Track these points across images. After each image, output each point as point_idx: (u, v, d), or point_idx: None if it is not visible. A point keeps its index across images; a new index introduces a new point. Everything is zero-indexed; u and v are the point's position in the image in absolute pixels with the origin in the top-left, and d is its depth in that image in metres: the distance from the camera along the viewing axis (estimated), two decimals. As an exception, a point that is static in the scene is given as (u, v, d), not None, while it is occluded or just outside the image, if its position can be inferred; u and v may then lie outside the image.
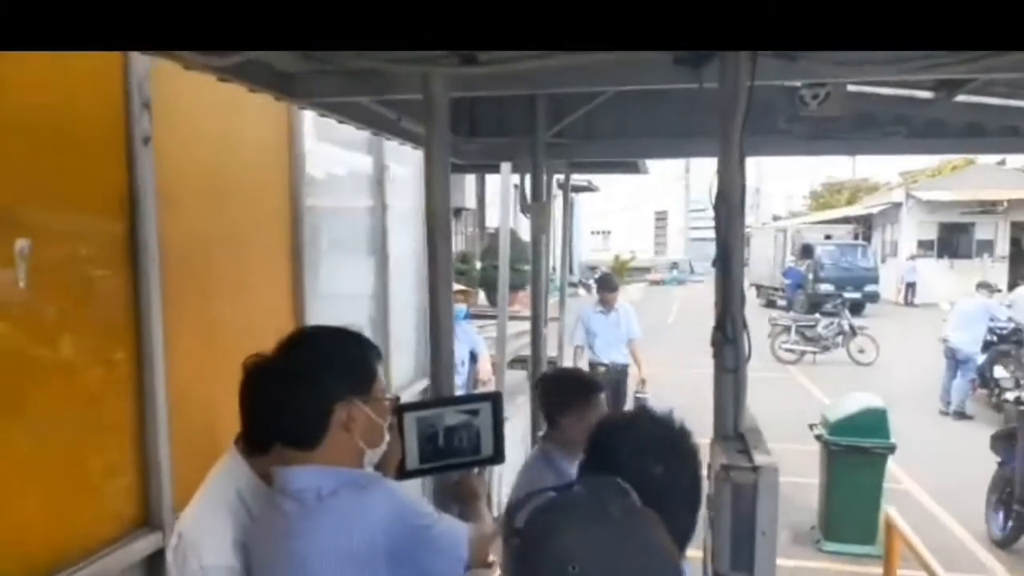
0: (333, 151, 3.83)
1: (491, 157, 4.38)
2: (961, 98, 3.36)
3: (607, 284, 7.70)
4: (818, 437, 5.93)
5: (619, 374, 7.19)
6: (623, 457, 1.41)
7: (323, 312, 3.42)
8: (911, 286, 24.70)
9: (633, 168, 8.21)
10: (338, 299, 3.82)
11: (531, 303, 3.83)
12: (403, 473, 2.07)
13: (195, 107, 2.67)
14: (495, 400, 2.23)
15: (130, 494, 2.47)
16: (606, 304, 7.33)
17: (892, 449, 5.79)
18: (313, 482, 1.58)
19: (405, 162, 4.69)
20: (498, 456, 2.22)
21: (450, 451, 2.10)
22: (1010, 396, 8.04)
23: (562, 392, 2.67)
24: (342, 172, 4.00)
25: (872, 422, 5.83)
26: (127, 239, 2.39)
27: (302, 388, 1.59)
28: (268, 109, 2.75)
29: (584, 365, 7.00)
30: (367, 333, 1.78)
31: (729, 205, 2.16)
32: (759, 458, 1.93)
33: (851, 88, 3.38)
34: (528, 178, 3.83)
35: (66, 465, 2.25)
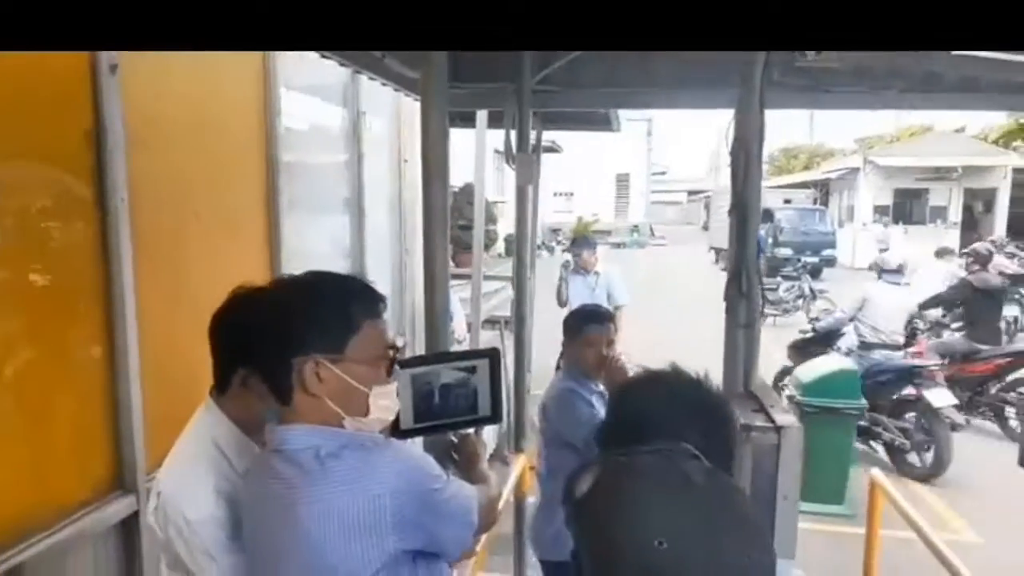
0: (308, 97, 3.62)
1: (474, 104, 4.20)
2: (956, 52, 3.28)
3: (584, 243, 7.26)
4: (790, 398, 5.98)
5: None
6: (655, 421, 1.23)
7: (298, 262, 3.27)
8: (883, 252, 24.39)
9: (605, 124, 8.09)
10: (314, 253, 3.65)
11: (515, 260, 3.71)
12: (397, 432, 1.96)
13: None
14: (493, 357, 2.13)
15: (102, 457, 2.31)
16: (583, 266, 7.00)
17: (863, 410, 5.86)
18: (311, 441, 1.44)
19: (380, 112, 4.49)
20: (495, 415, 2.13)
21: (446, 410, 2.00)
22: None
23: (567, 324, 3.09)
24: (317, 119, 3.79)
25: (844, 383, 5.89)
26: (93, 179, 2.19)
27: (262, 336, 1.44)
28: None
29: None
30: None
31: (747, 154, 2.05)
32: (780, 417, 1.85)
33: (848, 39, 3.28)
34: (512, 127, 3.66)
35: (35, 428, 2.09)
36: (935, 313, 8.56)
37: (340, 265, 4.11)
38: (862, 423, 6.13)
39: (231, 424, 1.63)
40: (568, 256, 7.41)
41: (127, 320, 2.29)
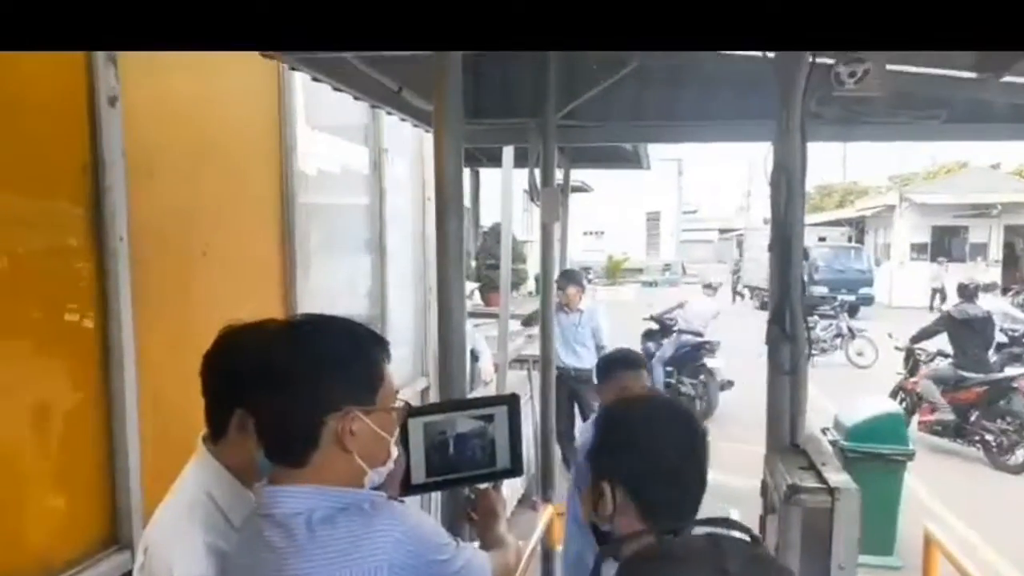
0: (327, 134, 3.52)
1: (496, 140, 4.08)
2: (1008, 78, 3.09)
3: (569, 277, 6.86)
4: (833, 443, 5.68)
5: (573, 380, 6.55)
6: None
7: (315, 304, 3.13)
8: (938, 291, 23.10)
9: (635, 162, 7.96)
10: (332, 289, 3.52)
11: (541, 298, 3.55)
12: (408, 488, 1.80)
13: (170, 66, 2.35)
14: (512, 404, 1.96)
15: (96, 510, 2.16)
16: (566, 303, 6.65)
17: (911, 456, 5.54)
18: (303, 505, 1.27)
19: (403, 150, 4.39)
20: (516, 468, 1.96)
21: (462, 462, 1.83)
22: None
23: (599, 368, 3.17)
24: (337, 156, 3.69)
25: (889, 427, 5.59)
26: (91, 216, 2.08)
27: (286, 393, 1.28)
28: (255, 71, 2.43)
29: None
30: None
31: (789, 184, 1.87)
32: (833, 477, 1.64)
33: (889, 67, 3.11)
34: (535, 165, 3.53)
35: (23, 480, 1.95)
36: (933, 344, 8.96)
37: (361, 306, 3.98)
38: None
39: (226, 473, 1.49)
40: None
41: (125, 367, 2.16)
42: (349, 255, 3.95)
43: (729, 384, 9.63)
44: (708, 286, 11.32)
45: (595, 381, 6.62)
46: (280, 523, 1.27)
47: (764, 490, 1.90)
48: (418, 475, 1.82)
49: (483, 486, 1.98)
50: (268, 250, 3.06)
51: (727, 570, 0.84)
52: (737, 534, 0.99)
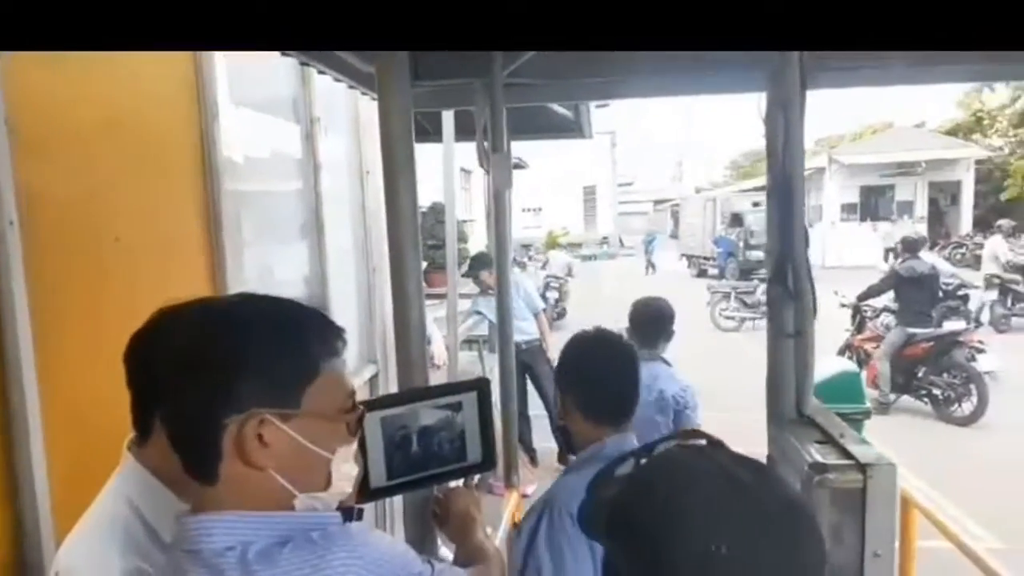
0: (253, 100, 3.18)
1: (439, 104, 3.77)
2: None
3: (482, 262, 6.58)
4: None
5: (524, 354, 6.28)
6: None
7: (248, 285, 2.82)
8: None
9: (577, 131, 7.74)
10: (267, 276, 3.20)
11: (496, 273, 3.30)
12: (367, 493, 1.54)
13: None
14: (482, 389, 1.74)
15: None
16: (488, 285, 6.40)
17: (868, 414, 5.54)
18: (234, 537, 1.00)
19: (337, 120, 4.06)
20: (488, 460, 1.75)
21: (427, 459, 1.63)
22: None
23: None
24: (265, 126, 3.34)
25: (846, 386, 5.60)
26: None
27: (187, 387, 1.01)
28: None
29: (495, 347, 6.54)
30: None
31: (787, 119, 1.65)
32: (861, 451, 1.44)
33: None
34: (483, 128, 3.26)
35: None
36: (879, 301, 9.15)
37: (299, 291, 3.67)
38: None
39: (151, 478, 1.26)
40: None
41: (23, 372, 1.82)
42: (284, 235, 3.62)
43: None
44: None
45: (544, 347, 6.60)
46: (207, 562, 0.99)
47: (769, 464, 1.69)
48: (378, 478, 1.61)
49: (453, 484, 1.76)
50: (193, 236, 2.73)
51: (740, 479, 0.82)
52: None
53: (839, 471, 1.38)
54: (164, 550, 1.13)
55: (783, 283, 1.64)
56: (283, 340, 1.04)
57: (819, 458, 1.44)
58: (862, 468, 1.37)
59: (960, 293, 10.40)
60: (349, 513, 1.14)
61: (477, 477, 1.86)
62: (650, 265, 27.90)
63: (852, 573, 1.36)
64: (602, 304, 10.71)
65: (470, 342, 6.63)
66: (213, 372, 1.00)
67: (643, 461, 0.97)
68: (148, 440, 1.23)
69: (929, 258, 10.90)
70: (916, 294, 8.31)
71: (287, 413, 1.02)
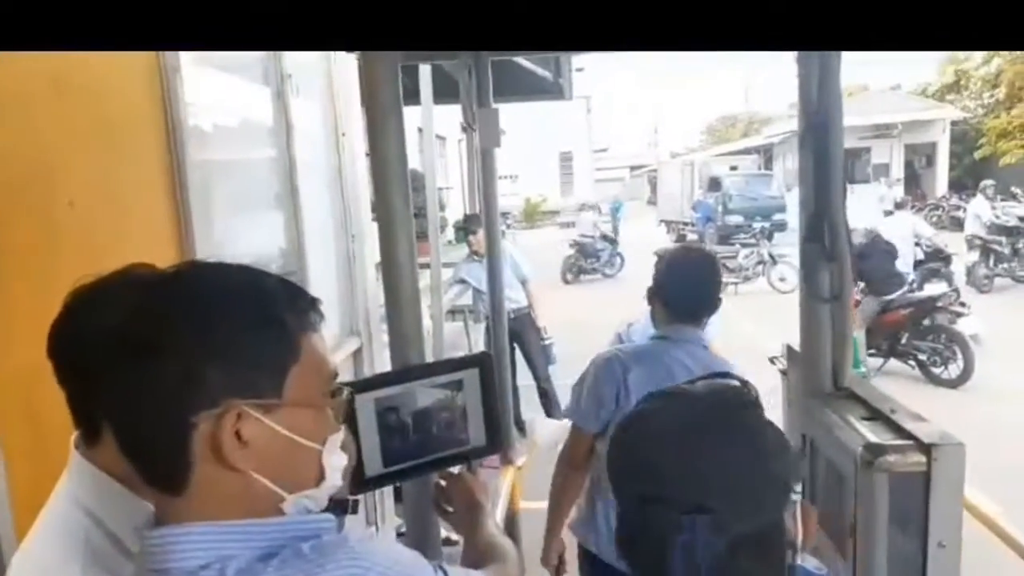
0: (216, 57, 2.93)
1: (422, 56, 3.56)
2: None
3: (478, 221, 6.40)
4: (784, 372, 5.53)
5: (513, 322, 6.04)
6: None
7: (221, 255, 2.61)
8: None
9: (557, 93, 7.50)
10: (239, 251, 2.97)
11: (486, 239, 3.12)
12: (361, 483, 1.40)
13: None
14: (484, 364, 1.59)
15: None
16: (478, 247, 6.21)
17: (865, 376, 5.46)
18: (211, 552, 0.82)
19: (308, 78, 3.81)
20: (494, 443, 1.60)
21: (426, 444, 1.50)
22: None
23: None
24: (231, 80, 3.09)
25: (839, 350, 5.50)
26: None
27: (140, 378, 0.80)
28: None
29: (480, 317, 6.41)
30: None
31: (823, 62, 1.46)
32: (921, 429, 1.28)
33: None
34: (469, 82, 3.05)
35: None
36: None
37: (275, 262, 3.45)
38: None
39: (107, 479, 1.02)
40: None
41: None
42: (255, 201, 3.39)
43: None
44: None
45: (533, 316, 6.47)
46: None
47: (806, 448, 1.54)
48: (373, 466, 1.45)
49: (455, 470, 1.60)
50: (157, 201, 2.50)
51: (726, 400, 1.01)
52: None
53: (899, 452, 1.22)
54: (132, 559, 0.95)
55: (819, 241, 1.47)
56: (256, 314, 0.85)
57: (873, 437, 1.27)
58: (926, 449, 1.20)
59: (943, 255, 10.35)
60: (343, 506, 1.03)
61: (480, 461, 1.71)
62: (615, 232, 27.12)
63: (914, 566, 1.20)
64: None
65: (453, 312, 6.45)
66: (174, 358, 0.79)
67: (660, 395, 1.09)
68: (99, 441, 1.04)
69: (909, 219, 10.85)
70: (880, 261, 8.24)
71: (269, 403, 0.84)
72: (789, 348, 1.86)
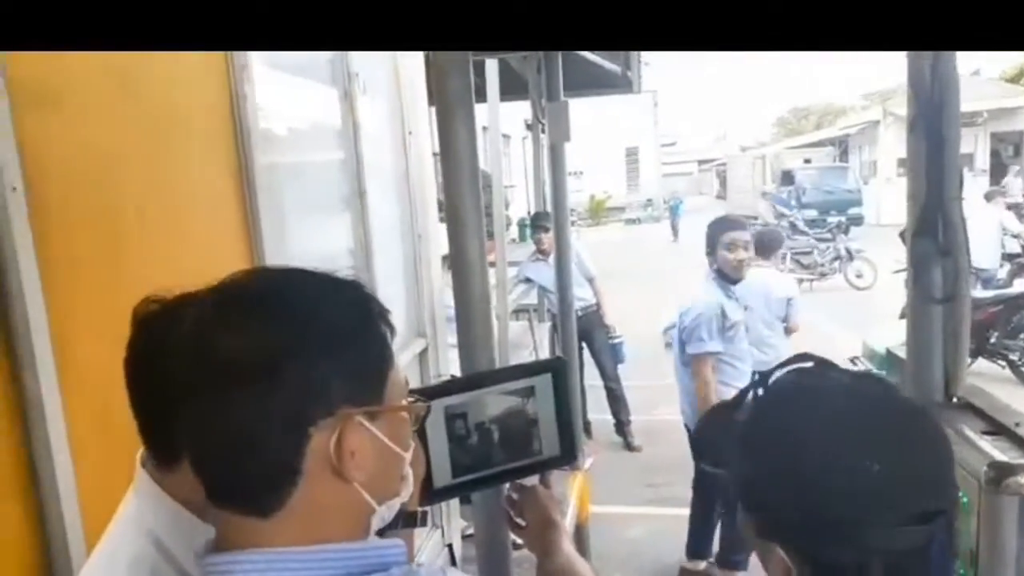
0: (283, 58, 2.92)
1: (488, 53, 3.50)
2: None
3: (542, 222, 6.26)
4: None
5: (581, 321, 5.88)
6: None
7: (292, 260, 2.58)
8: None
9: (625, 87, 7.38)
10: (309, 254, 2.95)
11: (555, 236, 3.03)
12: (430, 495, 1.33)
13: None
14: (558, 370, 1.50)
15: (24, 566, 1.63)
16: (547, 246, 6.08)
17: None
18: None
19: (374, 77, 3.78)
20: (568, 453, 1.48)
21: (496, 454, 1.43)
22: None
23: (709, 229, 3.85)
24: (298, 81, 3.07)
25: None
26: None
27: (238, 395, 0.74)
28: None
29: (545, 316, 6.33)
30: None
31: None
32: (1054, 446, 1.13)
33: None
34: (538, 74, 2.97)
35: None
36: None
37: (344, 263, 3.43)
38: None
39: (179, 509, 1.01)
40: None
41: (38, 361, 1.59)
42: (323, 203, 3.37)
43: None
44: None
45: (601, 313, 6.38)
46: None
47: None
48: (442, 476, 1.37)
49: (528, 482, 1.52)
50: (226, 207, 2.49)
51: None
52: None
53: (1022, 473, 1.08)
54: None
55: (932, 236, 1.33)
56: (362, 321, 0.83)
57: (998, 455, 1.13)
58: (1064, 470, 1.06)
59: (1037, 249, 9.79)
60: (412, 519, 1.05)
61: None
62: (674, 231, 26.34)
63: (1048, 602, 1.06)
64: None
65: (517, 312, 6.38)
66: (274, 369, 0.74)
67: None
68: (176, 467, 0.98)
69: (995, 213, 10.27)
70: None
71: (373, 410, 0.80)
72: (891, 353, 1.71)
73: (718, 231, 3.76)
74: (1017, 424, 1.23)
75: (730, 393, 3.20)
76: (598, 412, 6.59)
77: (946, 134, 1.32)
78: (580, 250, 6.54)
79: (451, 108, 1.56)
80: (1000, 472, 1.11)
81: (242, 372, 0.74)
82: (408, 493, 0.92)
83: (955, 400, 1.39)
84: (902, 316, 7.79)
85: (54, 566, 1.62)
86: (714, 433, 1.04)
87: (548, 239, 5.99)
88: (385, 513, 0.87)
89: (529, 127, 5.76)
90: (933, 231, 1.34)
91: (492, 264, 5.79)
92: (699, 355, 3.69)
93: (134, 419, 1.06)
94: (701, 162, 55.44)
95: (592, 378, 6.54)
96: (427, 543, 3.76)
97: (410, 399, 0.91)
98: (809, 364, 0.98)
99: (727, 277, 3.78)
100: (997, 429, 1.25)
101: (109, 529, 1.07)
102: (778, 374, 0.98)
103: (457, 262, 1.59)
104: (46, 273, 1.64)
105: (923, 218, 1.35)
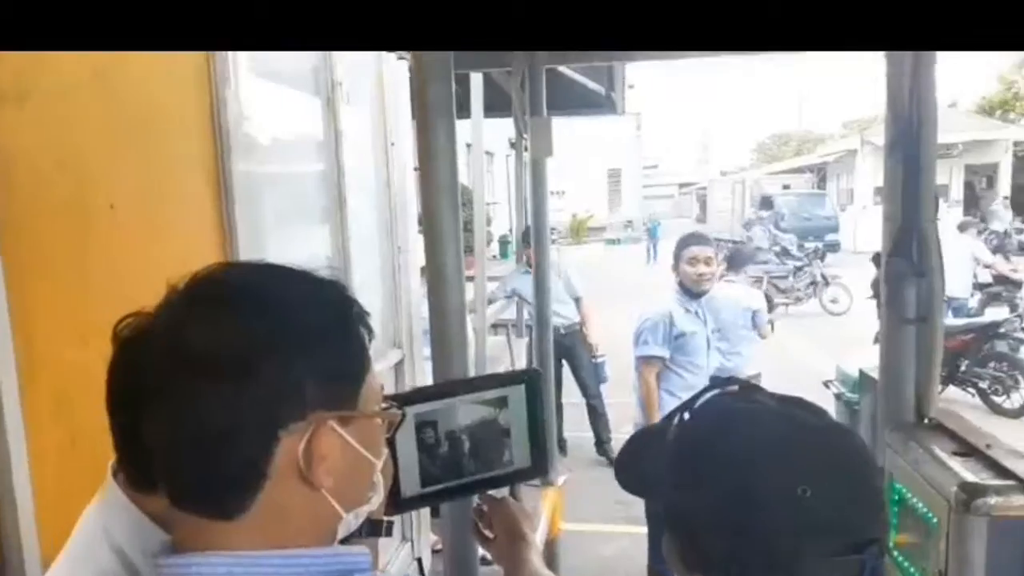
0: (265, 59, 2.90)
1: (474, 64, 3.50)
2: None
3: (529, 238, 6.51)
4: (838, 396, 5.31)
5: (562, 338, 6.10)
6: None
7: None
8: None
9: (608, 107, 7.41)
10: (285, 255, 2.92)
11: (535, 252, 3.02)
12: (397, 503, 1.29)
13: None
14: (531, 381, 1.48)
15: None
16: (531, 262, 6.22)
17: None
18: None
19: (358, 86, 3.77)
20: (539, 465, 1.45)
21: (466, 464, 1.39)
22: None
23: (676, 245, 3.97)
24: (280, 85, 3.05)
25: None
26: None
27: (205, 393, 0.71)
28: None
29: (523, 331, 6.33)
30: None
31: (917, 63, 1.33)
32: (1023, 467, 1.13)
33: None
34: (522, 88, 2.97)
35: None
36: None
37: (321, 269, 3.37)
38: None
39: (149, 523, 0.93)
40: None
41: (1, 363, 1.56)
42: (302, 209, 3.35)
43: None
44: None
45: (585, 333, 6.36)
46: None
47: (888, 479, 1.39)
48: (410, 485, 1.33)
49: (498, 493, 1.49)
50: (202, 208, 2.46)
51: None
52: None
53: (1001, 494, 1.08)
54: None
55: (907, 257, 1.33)
56: (340, 322, 0.80)
57: (970, 476, 1.13)
58: (1033, 491, 1.06)
59: (1012, 280, 9.93)
60: (378, 527, 1.01)
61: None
62: (651, 252, 26.23)
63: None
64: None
65: (495, 326, 6.35)
66: (243, 368, 0.71)
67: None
68: (152, 492, 0.93)
69: (968, 243, 10.43)
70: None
71: (347, 415, 0.77)
72: (864, 374, 1.71)
73: (682, 246, 3.92)
74: (988, 445, 1.23)
75: (673, 402, 3.24)
76: (574, 430, 6.57)
77: (923, 157, 1.33)
78: (568, 268, 6.56)
79: (432, 115, 1.55)
80: (970, 493, 1.11)
81: (213, 367, 0.71)
82: (378, 501, 0.90)
83: (927, 421, 1.39)
84: (876, 341, 7.92)
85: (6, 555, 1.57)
86: (635, 459, 0.99)
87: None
88: (352, 521, 0.85)
89: (512, 145, 5.76)
90: (908, 252, 1.35)
91: (471, 279, 5.77)
92: (643, 358, 3.92)
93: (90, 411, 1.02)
94: (682, 185, 55.94)
95: (569, 396, 6.52)
96: (397, 556, 3.72)
97: (384, 405, 0.88)
98: (735, 388, 0.95)
99: (688, 291, 3.92)
100: (968, 450, 1.25)
101: (71, 542, 1.02)
102: (705, 397, 0.95)
103: (434, 275, 1.57)
104: (9, 266, 1.60)
105: (899, 239, 1.36)
